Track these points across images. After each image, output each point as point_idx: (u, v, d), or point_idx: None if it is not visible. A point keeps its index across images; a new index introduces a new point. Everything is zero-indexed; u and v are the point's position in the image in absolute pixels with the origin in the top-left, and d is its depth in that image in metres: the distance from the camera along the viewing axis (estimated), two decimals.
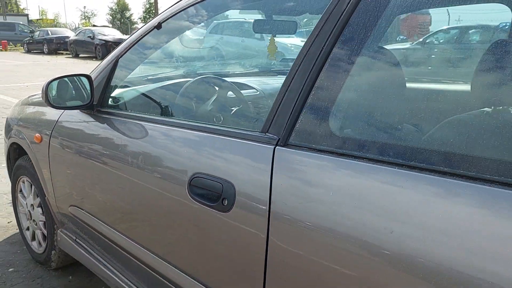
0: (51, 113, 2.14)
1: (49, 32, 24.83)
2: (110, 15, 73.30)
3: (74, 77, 1.85)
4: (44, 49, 23.76)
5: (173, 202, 1.37)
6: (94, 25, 35.90)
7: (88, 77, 1.85)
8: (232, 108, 1.88)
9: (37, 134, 2.20)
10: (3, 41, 27.57)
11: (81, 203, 1.94)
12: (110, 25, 52.37)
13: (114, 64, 1.86)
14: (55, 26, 45.26)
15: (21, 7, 65.98)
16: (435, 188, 0.84)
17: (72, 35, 23.12)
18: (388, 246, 0.85)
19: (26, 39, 26.09)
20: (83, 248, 2.05)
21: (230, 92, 2.02)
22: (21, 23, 32.67)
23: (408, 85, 1.28)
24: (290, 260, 1.04)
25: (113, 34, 21.65)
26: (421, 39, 2.80)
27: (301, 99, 1.10)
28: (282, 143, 1.12)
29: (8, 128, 2.64)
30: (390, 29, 1.23)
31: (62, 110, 2.04)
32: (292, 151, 1.09)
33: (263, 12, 2.07)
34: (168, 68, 2.44)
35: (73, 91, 1.84)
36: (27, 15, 44.56)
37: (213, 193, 1.22)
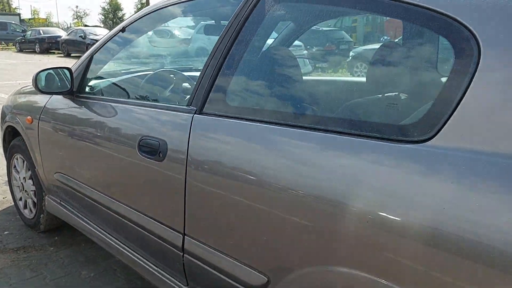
0: (40, 100, 2.64)
1: (41, 32, 25.19)
2: (103, 15, 73.42)
3: (58, 69, 2.36)
4: (36, 49, 24.13)
5: (129, 159, 1.88)
6: (85, 25, 36.32)
7: (69, 69, 2.35)
8: (173, 90, 2.39)
9: (28, 117, 2.70)
10: None
11: (64, 169, 2.45)
12: (102, 25, 52.61)
13: (90, 60, 2.37)
14: (47, 26, 45.59)
15: (13, 6, 66.02)
16: (309, 142, 1.31)
17: (63, 35, 23.50)
18: (266, 183, 1.34)
19: (18, 38, 26.43)
20: (66, 208, 2.56)
21: (171, 75, 2.54)
22: (13, 22, 32.98)
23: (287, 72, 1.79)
24: (201, 195, 1.56)
25: (104, 34, 22.01)
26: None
27: (211, 83, 1.62)
28: (198, 112, 1.63)
29: (3, 115, 3.14)
30: (268, 35, 1.77)
31: (49, 97, 2.54)
32: (204, 117, 1.61)
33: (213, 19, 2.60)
34: (128, 63, 2.95)
35: (58, 81, 2.34)
36: (19, 14, 44.82)
37: (153, 149, 1.73)
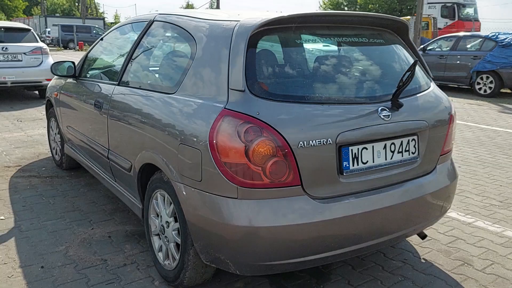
0: (61, 82, 4.23)
1: None
2: None
3: (67, 62, 3.91)
4: None
5: (90, 111, 3.37)
6: None
7: (73, 62, 3.90)
8: (109, 73, 3.79)
9: (55, 92, 4.31)
10: (80, 42, 31.63)
11: (70, 123, 4.01)
12: None
13: (86, 56, 3.91)
14: None
15: (100, 11, 71.94)
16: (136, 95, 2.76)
17: None
18: (132, 118, 2.80)
19: None
20: (73, 150, 4.12)
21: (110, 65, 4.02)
22: (97, 26, 36.70)
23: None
24: (113, 126, 3.01)
25: None
26: None
27: (123, 68, 3.07)
28: (118, 84, 3.08)
29: (46, 93, 4.81)
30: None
31: (66, 79, 4.11)
32: (118, 87, 3.05)
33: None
34: (102, 59, 4.43)
35: (67, 69, 3.90)
36: (103, 18, 49.13)
37: (100, 104, 3.20)
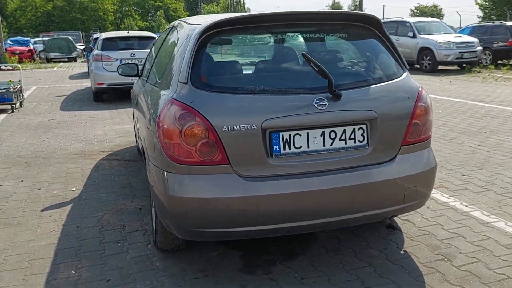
0: (134, 81, 5.04)
1: None
2: None
3: (133, 64, 4.67)
4: None
5: (135, 106, 4.04)
6: None
7: (137, 64, 4.65)
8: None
9: (132, 89, 5.15)
10: None
11: (133, 114, 4.78)
12: None
13: (145, 61, 4.62)
14: None
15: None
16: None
17: None
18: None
19: None
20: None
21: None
22: None
23: None
24: (138, 117, 3.61)
25: None
26: None
27: (149, 68, 3.65)
28: (146, 81, 3.68)
29: None
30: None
31: (137, 79, 4.89)
32: (144, 83, 3.65)
33: None
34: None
35: (132, 70, 4.65)
36: None
37: (135, 98, 3.84)
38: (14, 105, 8.94)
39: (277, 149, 2.43)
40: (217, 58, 2.63)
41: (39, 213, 3.72)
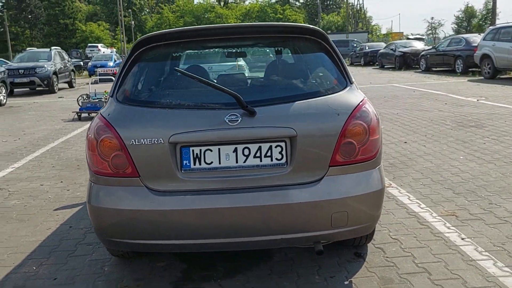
0: None
1: (367, 47, 28.93)
2: (456, 24, 73.14)
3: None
4: (361, 61, 28.04)
5: None
6: (408, 38, 38.21)
7: None
8: None
9: None
10: None
11: None
12: (425, 37, 52.69)
13: None
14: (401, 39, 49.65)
15: (372, 23, 74.44)
16: None
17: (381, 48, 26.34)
18: None
19: (352, 53, 31.09)
20: None
21: None
22: (356, 39, 38.36)
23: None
24: None
25: (415, 46, 23.33)
26: None
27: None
28: None
29: None
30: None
31: None
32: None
33: None
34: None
35: None
36: (368, 31, 50.75)
37: None
38: None
39: (187, 164, 2.40)
40: (148, 73, 2.70)
41: (50, 212, 4.12)
